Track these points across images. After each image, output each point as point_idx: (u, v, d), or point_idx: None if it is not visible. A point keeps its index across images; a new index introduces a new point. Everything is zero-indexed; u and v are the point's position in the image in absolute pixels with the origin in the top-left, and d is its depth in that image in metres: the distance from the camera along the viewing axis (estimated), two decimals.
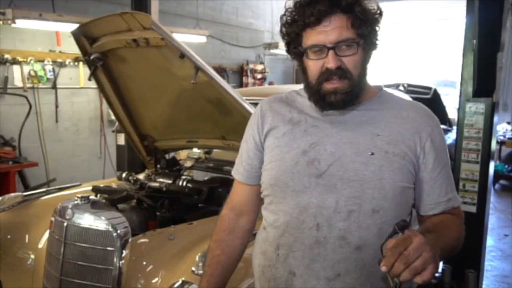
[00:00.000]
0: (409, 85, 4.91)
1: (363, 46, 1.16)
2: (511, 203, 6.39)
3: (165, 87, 2.41)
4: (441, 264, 2.98)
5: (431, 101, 4.75)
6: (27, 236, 2.23)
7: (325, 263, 1.17)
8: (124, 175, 2.76)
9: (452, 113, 5.00)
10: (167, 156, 2.97)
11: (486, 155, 2.88)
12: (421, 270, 0.93)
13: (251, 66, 7.68)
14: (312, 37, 1.14)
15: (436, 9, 8.42)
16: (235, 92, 2.15)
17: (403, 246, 0.94)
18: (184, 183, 2.56)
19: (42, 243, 2.16)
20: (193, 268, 1.70)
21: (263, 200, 1.33)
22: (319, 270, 1.18)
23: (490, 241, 4.47)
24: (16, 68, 4.49)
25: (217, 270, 1.37)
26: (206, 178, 2.75)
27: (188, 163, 2.99)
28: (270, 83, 7.86)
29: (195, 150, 3.15)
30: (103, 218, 1.87)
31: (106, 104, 2.80)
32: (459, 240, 1.19)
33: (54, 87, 4.85)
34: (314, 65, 1.17)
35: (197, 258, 1.71)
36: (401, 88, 4.74)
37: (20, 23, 3.94)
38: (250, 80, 7.65)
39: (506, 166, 7.20)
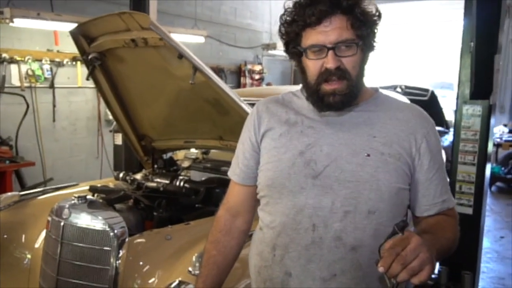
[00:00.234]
0: (407, 87, 4.91)
1: (362, 47, 1.17)
2: (507, 205, 6.41)
3: (163, 87, 2.41)
4: (437, 266, 2.99)
5: (429, 103, 4.76)
6: (23, 235, 2.23)
7: (320, 264, 1.18)
8: (121, 175, 2.76)
9: (449, 115, 5.01)
10: (164, 156, 2.97)
11: (483, 157, 2.89)
12: (418, 270, 0.94)
13: (249, 66, 7.69)
14: (312, 37, 1.15)
15: (434, 11, 8.45)
16: (233, 93, 2.15)
17: (400, 247, 0.94)
18: (182, 183, 2.56)
19: (39, 242, 2.16)
20: (190, 269, 1.70)
21: (259, 201, 1.33)
22: (315, 271, 1.18)
23: (486, 243, 4.49)
24: (13, 67, 4.49)
25: (213, 271, 1.37)
26: (203, 179, 2.75)
27: (186, 164, 2.99)
28: (268, 84, 7.86)
29: (193, 150, 3.15)
30: (100, 218, 1.87)
31: (103, 103, 2.80)
32: (454, 241, 1.20)
33: (52, 86, 4.84)
34: (313, 65, 1.17)
35: (194, 259, 1.71)
36: (399, 89, 4.75)
37: (18, 22, 3.93)
38: (248, 80, 7.66)
39: (503, 168, 7.23)
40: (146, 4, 3.68)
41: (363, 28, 1.15)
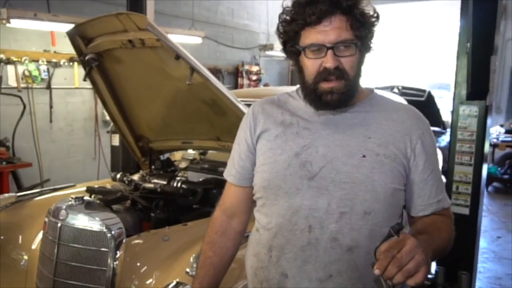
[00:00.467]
0: (404, 88, 4.93)
1: (360, 48, 1.18)
2: (504, 205, 6.43)
3: (160, 88, 2.41)
4: (434, 266, 3.00)
5: (425, 103, 4.78)
6: (20, 237, 2.22)
7: (317, 265, 1.18)
8: (118, 176, 2.76)
9: (446, 116, 5.03)
10: (161, 157, 2.97)
11: (479, 158, 2.90)
12: (413, 272, 0.94)
13: (246, 67, 7.69)
14: (311, 36, 1.15)
15: (431, 12, 8.47)
16: (230, 94, 2.15)
17: (396, 249, 0.95)
18: (179, 184, 2.56)
19: (36, 244, 2.15)
20: (188, 269, 1.70)
21: (255, 202, 1.33)
22: (311, 272, 1.19)
23: (483, 243, 4.50)
24: (10, 68, 4.47)
25: (209, 272, 1.37)
26: (201, 179, 2.75)
27: (183, 164, 3.00)
28: (266, 85, 7.86)
29: (190, 151, 3.15)
30: (97, 219, 1.87)
31: (101, 104, 2.79)
32: (449, 241, 1.20)
33: (49, 87, 4.83)
34: (312, 64, 1.17)
35: (191, 259, 1.71)
36: (396, 90, 4.77)
37: (15, 23, 3.92)
38: (245, 81, 7.65)
39: (499, 169, 7.25)
40: (143, 4, 3.68)
41: (362, 29, 1.16)
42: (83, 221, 1.88)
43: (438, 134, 4.77)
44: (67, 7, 4.69)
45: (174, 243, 1.91)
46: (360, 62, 1.20)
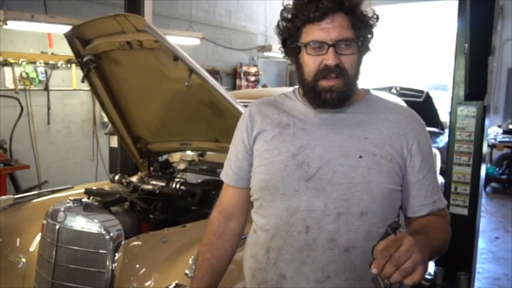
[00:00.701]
0: (402, 88, 4.95)
1: (360, 48, 1.19)
2: (502, 205, 6.45)
3: (159, 90, 2.41)
4: (433, 267, 3.00)
5: (423, 104, 4.79)
6: (18, 239, 2.22)
7: (314, 266, 1.18)
8: (117, 177, 2.75)
9: (444, 116, 5.04)
10: (160, 159, 2.96)
11: (478, 158, 2.90)
12: (411, 271, 0.94)
13: (244, 68, 7.69)
14: (313, 33, 1.16)
15: (429, 13, 8.49)
16: (228, 95, 2.15)
17: (393, 248, 0.95)
18: (177, 186, 2.55)
19: (34, 246, 2.15)
20: (186, 271, 1.70)
21: (252, 203, 1.33)
22: (308, 273, 1.19)
23: (481, 243, 4.51)
24: (7, 70, 4.47)
25: (207, 274, 1.37)
26: (199, 181, 2.74)
27: (182, 166, 2.99)
28: (264, 86, 7.87)
29: (189, 152, 3.15)
30: (95, 220, 1.86)
31: (98, 106, 2.79)
32: (446, 241, 1.20)
33: (46, 89, 4.83)
34: (312, 61, 1.18)
35: (190, 261, 1.70)
36: (394, 91, 4.78)
37: (12, 25, 3.92)
38: (244, 82, 7.66)
39: (497, 169, 7.27)
40: (141, 6, 3.68)
41: (363, 29, 1.17)
42: (81, 223, 1.87)
43: (436, 135, 4.78)
44: (64, 8, 4.69)
45: (173, 244, 1.90)
46: (359, 62, 1.21)
